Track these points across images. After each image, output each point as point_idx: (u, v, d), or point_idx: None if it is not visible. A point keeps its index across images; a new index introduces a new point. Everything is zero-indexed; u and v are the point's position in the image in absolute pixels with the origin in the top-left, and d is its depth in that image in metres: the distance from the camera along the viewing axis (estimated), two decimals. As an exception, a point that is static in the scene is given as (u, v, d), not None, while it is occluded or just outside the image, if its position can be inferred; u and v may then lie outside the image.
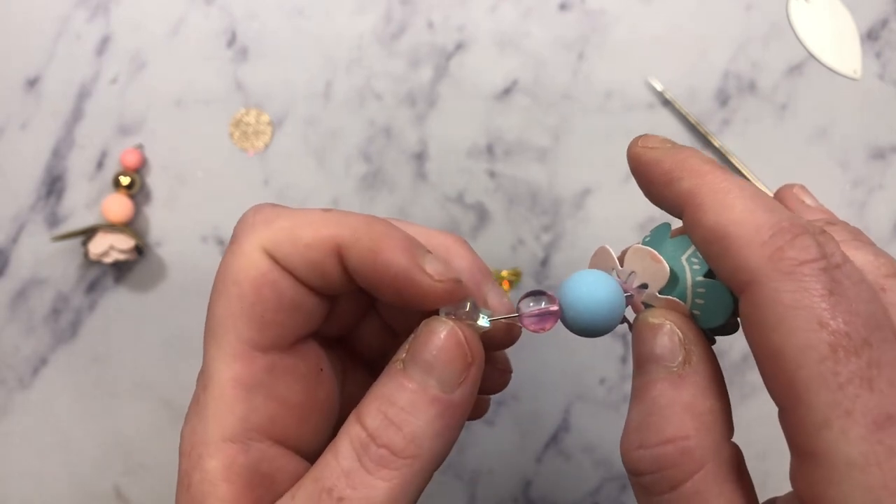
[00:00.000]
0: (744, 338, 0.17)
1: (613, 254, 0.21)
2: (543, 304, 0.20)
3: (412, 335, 0.20)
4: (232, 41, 0.46)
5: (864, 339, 0.15)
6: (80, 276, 0.45)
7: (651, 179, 0.20)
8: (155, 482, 0.45)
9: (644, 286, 0.20)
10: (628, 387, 0.40)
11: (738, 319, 0.19)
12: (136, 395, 0.45)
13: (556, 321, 0.20)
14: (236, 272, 0.19)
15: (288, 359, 0.20)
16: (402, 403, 0.19)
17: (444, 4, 0.46)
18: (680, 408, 0.17)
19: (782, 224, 0.16)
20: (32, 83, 0.45)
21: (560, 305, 0.20)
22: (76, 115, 0.45)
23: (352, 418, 0.19)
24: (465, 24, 0.46)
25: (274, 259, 0.19)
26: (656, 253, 0.19)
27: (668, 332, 0.18)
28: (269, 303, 0.19)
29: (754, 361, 0.17)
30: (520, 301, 0.21)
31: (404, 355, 0.19)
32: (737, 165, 0.44)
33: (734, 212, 0.17)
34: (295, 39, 0.46)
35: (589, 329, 0.20)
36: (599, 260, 0.21)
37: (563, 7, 0.46)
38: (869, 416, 0.15)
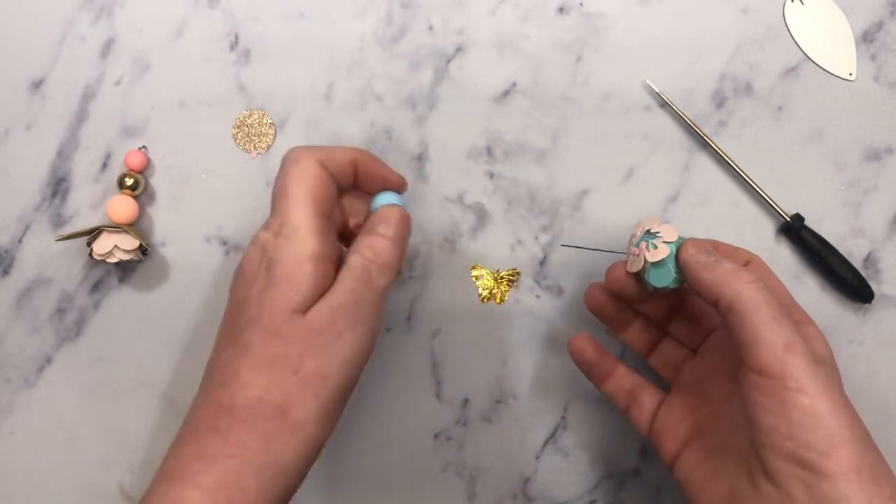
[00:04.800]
0: None
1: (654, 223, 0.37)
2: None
3: (372, 217, 0.37)
4: (235, 44, 0.46)
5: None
6: (85, 276, 0.46)
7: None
8: (158, 480, 0.45)
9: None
10: (626, 385, 0.41)
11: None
12: (141, 393, 0.45)
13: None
14: (307, 174, 0.34)
15: (331, 229, 0.35)
16: (381, 248, 0.35)
17: (444, 7, 0.46)
18: None
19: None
20: (37, 85, 0.46)
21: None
22: (81, 116, 0.46)
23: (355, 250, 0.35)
24: (465, 27, 0.46)
25: (324, 167, 0.35)
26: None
27: None
28: (328, 191, 0.35)
29: None
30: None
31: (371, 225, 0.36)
32: (733, 167, 0.45)
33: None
34: (297, 42, 0.46)
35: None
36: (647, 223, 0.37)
37: (561, 10, 0.46)
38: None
